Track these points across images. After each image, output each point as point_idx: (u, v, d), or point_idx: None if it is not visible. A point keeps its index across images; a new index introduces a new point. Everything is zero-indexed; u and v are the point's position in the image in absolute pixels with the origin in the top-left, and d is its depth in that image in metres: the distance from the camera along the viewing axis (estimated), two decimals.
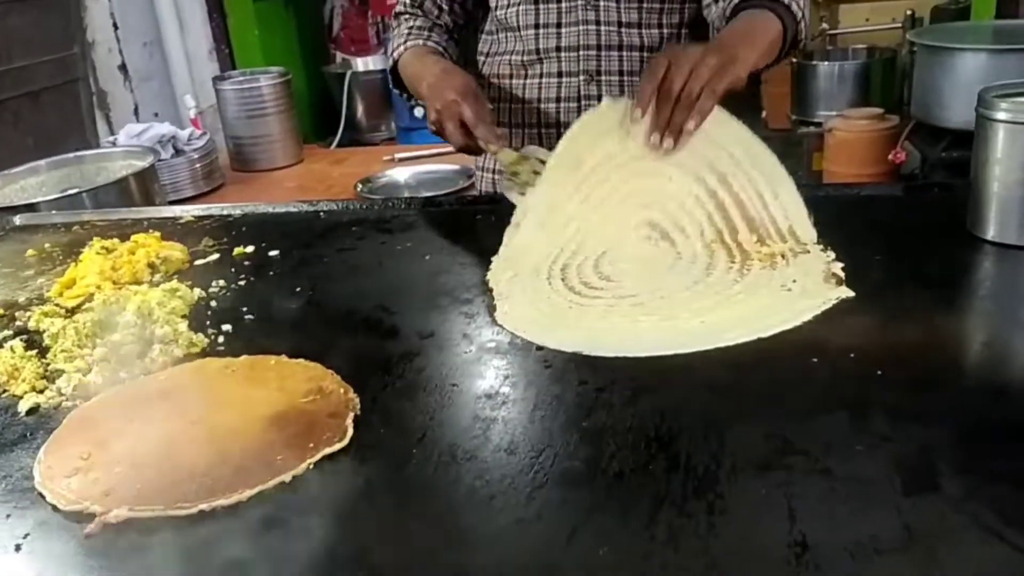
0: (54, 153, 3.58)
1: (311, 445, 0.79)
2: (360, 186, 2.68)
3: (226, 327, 1.06)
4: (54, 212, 1.66)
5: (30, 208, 1.78)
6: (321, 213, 1.46)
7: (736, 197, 1.18)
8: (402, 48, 1.54)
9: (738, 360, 0.89)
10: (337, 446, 0.80)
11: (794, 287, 1.04)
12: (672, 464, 0.73)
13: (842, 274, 1.05)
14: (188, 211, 1.52)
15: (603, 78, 1.50)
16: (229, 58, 4.51)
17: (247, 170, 3.03)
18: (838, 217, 1.23)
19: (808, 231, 1.15)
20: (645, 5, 1.47)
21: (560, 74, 1.52)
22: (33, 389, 0.95)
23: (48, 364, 1.00)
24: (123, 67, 4.25)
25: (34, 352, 1.03)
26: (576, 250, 1.16)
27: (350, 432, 0.81)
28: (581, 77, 1.50)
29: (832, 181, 4.47)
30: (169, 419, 0.85)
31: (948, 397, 0.80)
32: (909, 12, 4.74)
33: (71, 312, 1.14)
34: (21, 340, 1.07)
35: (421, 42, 1.53)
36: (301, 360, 0.94)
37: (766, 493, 0.69)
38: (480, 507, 0.71)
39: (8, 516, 0.76)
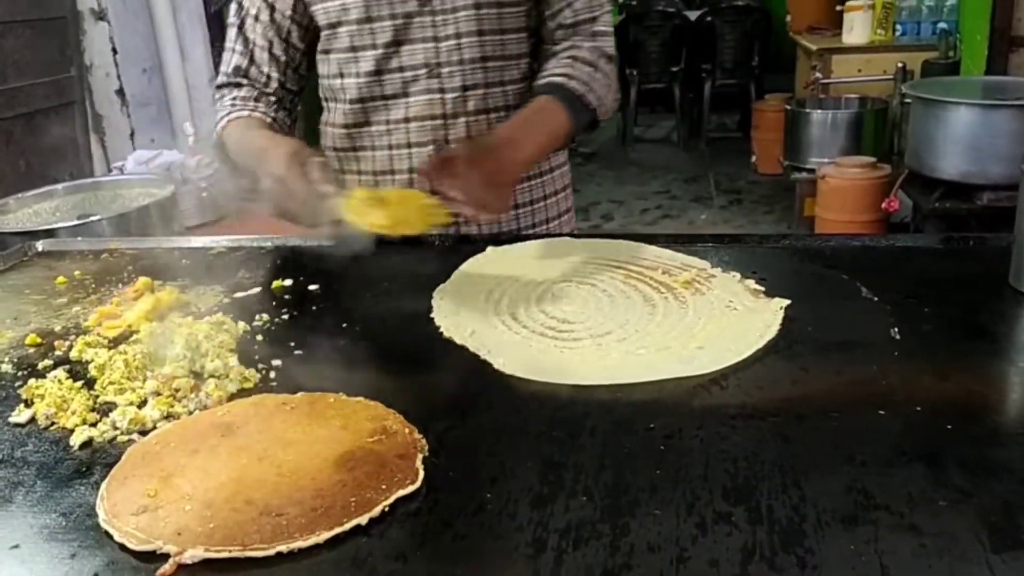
0: (48, 176, 3.56)
1: (383, 487, 0.78)
2: None
3: (276, 362, 1.05)
4: (79, 239, 1.64)
5: (49, 234, 1.76)
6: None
7: (625, 264, 1.29)
8: (224, 122, 1.43)
9: (802, 407, 0.89)
10: (410, 488, 0.79)
11: (736, 305, 1.13)
12: (754, 515, 0.73)
13: (761, 288, 1.17)
14: (219, 242, 1.51)
15: (452, 146, 1.46)
16: None
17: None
18: (878, 269, 1.25)
19: (700, 261, 1.28)
20: (488, 65, 1.46)
21: (409, 145, 1.48)
22: (84, 422, 0.94)
23: (96, 396, 0.99)
24: (120, 92, 4.24)
25: (80, 384, 1.02)
26: (514, 296, 1.19)
27: (421, 474, 0.81)
28: (431, 147, 1.47)
29: (824, 228, 4.54)
30: (234, 455, 0.84)
31: (1020, 451, 0.81)
32: (900, 65, 4.85)
33: (114, 343, 1.12)
34: (64, 370, 1.05)
35: (247, 113, 1.44)
36: (360, 398, 0.93)
37: (855, 549, 0.69)
38: (562, 554, 0.70)
39: (73, 555, 0.74)
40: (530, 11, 1.47)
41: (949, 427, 0.84)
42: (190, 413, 0.95)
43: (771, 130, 5.65)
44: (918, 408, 0.88)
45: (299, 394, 0.95)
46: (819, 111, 4.90)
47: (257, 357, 1.07)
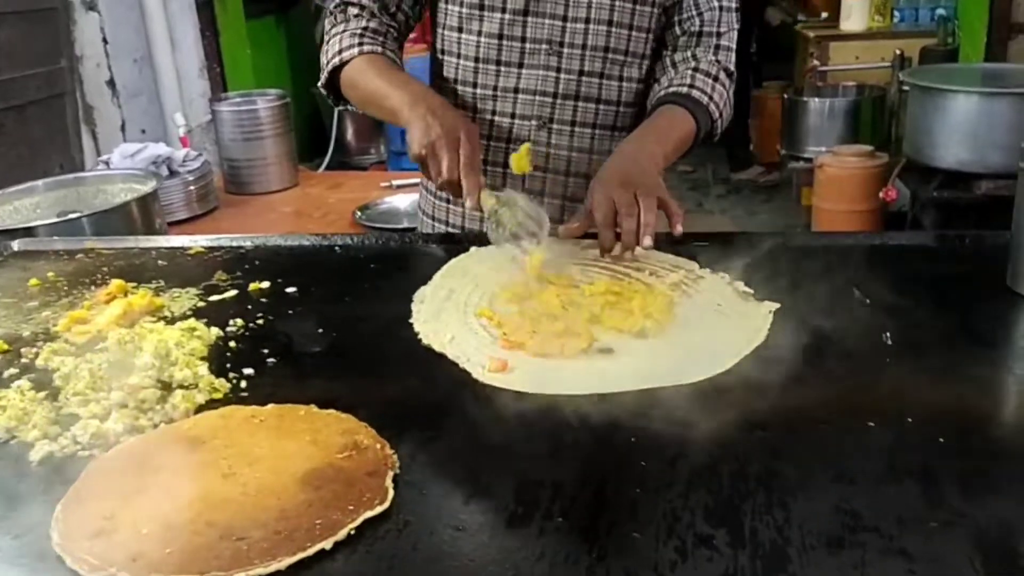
0: (38, 167, 3.51)
1: (351, 507, 0.75)
2: (359, 213, 2.64)
3: (248, 371, 1.01)
4: (55, 238, 1.60)
5: (27, 232, 1.72)
6: (336, 247, 1.42)
7: (611, 265, 1.25)
8: (355, 51, 1.41)
9: (791, 418, 0.86)
10: (378, 509, 0.75)
11: (725, 309, 1.10)
12: (736, 538, 0.70)
13: (751, 291, 1.14)
14: (197, 241, 1.47)
15: (555, 126, 1.48)
16: (220, 76, 4.48)
17: (241, 193, 2.98)
18: (868, 266, 1.22)
19: (687, 262, 1.24)
20: (609, 56, 1.46)
21: (513, 116, 1.48)
22: (45, 436, 0.90)
23: (60, 408, 0.95)
24: (111, 82, 4.20)
25: (44, 394, 0.98)
26: (495, 300, 1.16)
27: (391, 494, 0.77)
28: (534, 122, 1.48)
29: (822, 217, 4.50)
30: (198, 472, 0.81)
31: (1019, 466, 0.77)
32: (898, 52, 4.80)
33: (82, 349, 1.08)
34: (29, 380, 1.02)
35: (380, 50, 1.42)
36: (332, 411, 0.90)
37: (841, 575, 0.65)
38: None
39: None
40: (661, 14, 1.47)
41: (942, 440, 0.81)
42: (155, 426, 0.91)
43: (769, 119, 5.60)
44: (910, 419, 0.84)
45: (269, 406, 0.92)
46: (816, 100, 4.85)
47: (229, 365, 1.03)
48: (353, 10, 1.48)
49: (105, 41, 4.12)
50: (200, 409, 0.94)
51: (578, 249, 1.31)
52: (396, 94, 1.33)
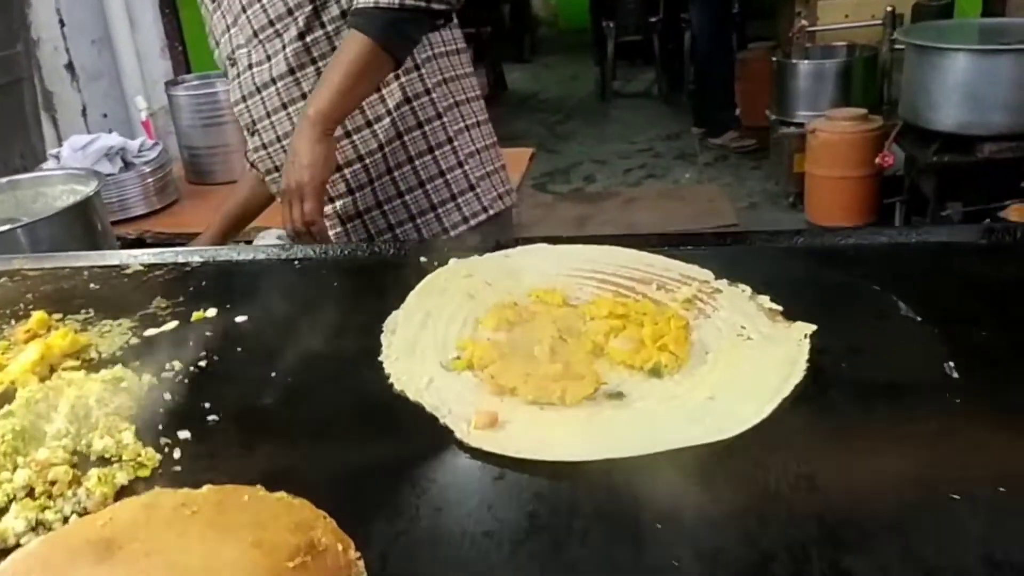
0: None
1: None
2: None
3: (183, 434, 0.84)
4: None
5: None
6: (296, 261, 1.24)
7: (612, 277, 1.08)
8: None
9: (852, 494, 0.69)
10: None
11: (749, 333, 0.93)
12: None
13: (778, 307, 0.97)
14: (136, 257, 1.29)
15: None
16: (183, 56, 4.27)
17: (204, 183, 2.78)
18: (908, 270, 1.05)
19: (701, 272, 1.07)
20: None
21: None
22: None
23: None
24: (70, 66, 4.01)
25: None
26: (480, 328, 0.99)
27: None
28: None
29: (815, 184, 4.34)
30: None
31: None
32: (890, 8, 4.60)
33: None
34: None
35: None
36: (283, 494, 0.72)
37: None
38: None
39: None
40: None
41: None
42: (65, 520, 0.74)
43: (755, 81, 5.41)
44: (1002, 489, 0.68)
45: (205, 488, 0.74)
46: (805, 62, 4.67)
47: (161, 426, 0.86)
48: None
49: (62, 23, 3.93)
50: (121, 493, 0.77)
51: (569, 256, 1.14)
52: None
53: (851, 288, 1.02)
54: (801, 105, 4.61)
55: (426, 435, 0.81)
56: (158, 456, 0.81)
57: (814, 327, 0.92)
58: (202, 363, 0.97)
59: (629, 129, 6.27)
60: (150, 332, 1.06)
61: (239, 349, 1.00)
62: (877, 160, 4.11)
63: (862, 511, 0.67)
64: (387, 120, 1.45)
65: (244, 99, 1.53)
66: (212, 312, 1.09)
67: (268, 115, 1.50)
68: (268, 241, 1.93)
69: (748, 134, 5.50)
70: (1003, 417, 0.77)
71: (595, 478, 0.73)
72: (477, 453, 0.78)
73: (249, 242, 2.15)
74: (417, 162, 1.48)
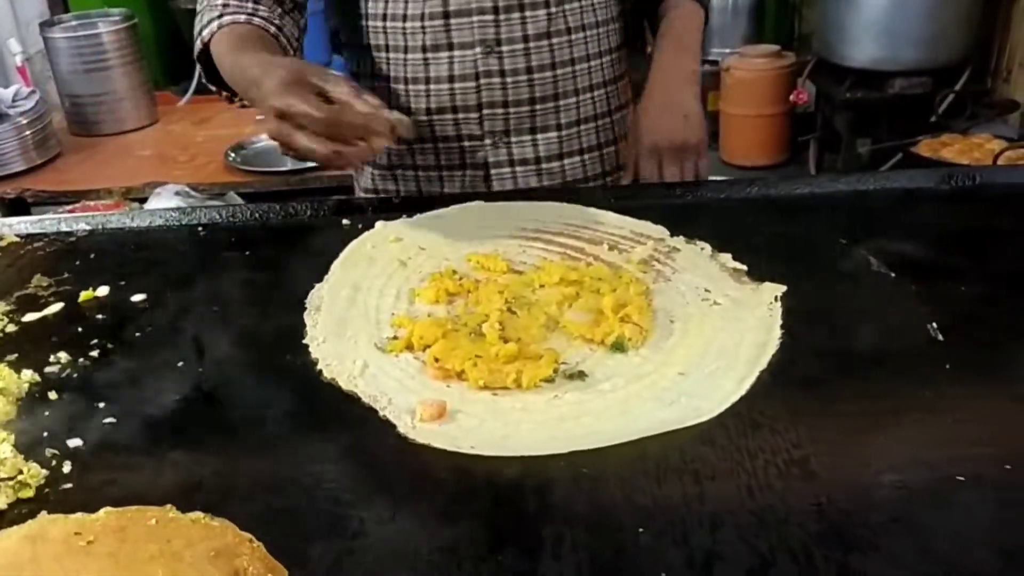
0: None
1: None
2: (231, 154, 2.28)
3: (74, 442, 0.71)
4: None
5: None
6: (200, 227, 1.09)
7: (559, 237, 0.99)
8: (215, 26, 1.12)
9: (837, 485, 0.62)
10: None
11: (716, 298, 0.85)
12: None
13: (743, 267, 0.90)
14: (11, 226, 1.12)
15: (504, 48, 1.18)
16: None
17: (89, 134, 2.55)
18: (873, 220, 0.99)
19: (654, 228, 1.00)
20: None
21: (451, 46, 1.18)
22: None
23: None
24: None
25: None
26: (416, 300, 0.89)
27: None
28: (478, 49, 1.18)
29: (730, 123, 4.32)
30: None
31: None
32: None
33: None
34: None
35: (243, 18, 1.12)
36: (199, 515, 0.61)
37: None
38: None
39: None
40: None
41: None
42: None
43: None
44: (1008, 467, 0.62)
45: (102, 511, 0.62)
46: None
47: (47, 433, 0.73)
48: None
49: None
50: (1, 523, 0.64)
51: (509, 214, 1.04)
52: (243, 79, 1.04)
53: (816, 243, 0.95)
54: (714, 42, 4.55)
55: (364, 431, 0.71)
56: (44, 472, 0.68)
57: (783, 288, 0.85)
58: (93, 352, 0.84)
59: None
60: (29, 317, 0.91)
61: (138, 335, 0.87)
62: (791, 97, 4.11)
63: (865, 502, 0.60)
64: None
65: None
66: (104, 291, 0.95)
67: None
68: (165, 202, 1.75)
69: None
70: (997, 383, 0.72)
71: (563, 474, 0.64)
72: (425, 450, 0.68)
73: (143, 201, 1.97)
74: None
